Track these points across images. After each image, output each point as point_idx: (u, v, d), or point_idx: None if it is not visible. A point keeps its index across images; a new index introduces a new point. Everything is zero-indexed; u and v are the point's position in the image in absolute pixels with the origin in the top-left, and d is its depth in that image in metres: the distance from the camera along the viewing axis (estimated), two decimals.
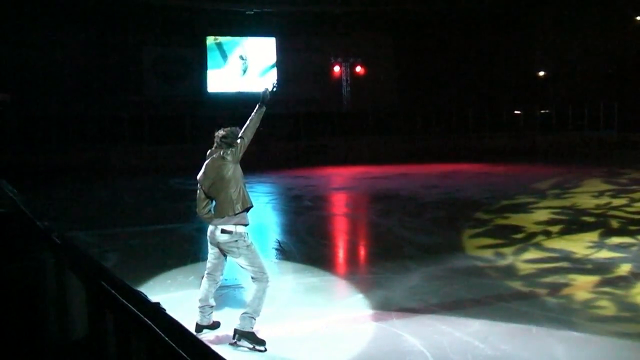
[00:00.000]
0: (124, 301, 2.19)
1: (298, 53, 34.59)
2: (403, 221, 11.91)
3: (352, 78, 34.99)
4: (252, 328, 5.42)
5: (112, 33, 31.33)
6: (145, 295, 2.27)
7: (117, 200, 16.31)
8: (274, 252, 9.46)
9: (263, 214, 13.79)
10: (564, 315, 6.13)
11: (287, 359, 5.23)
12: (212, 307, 5.77)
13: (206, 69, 34.27)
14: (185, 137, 28.35)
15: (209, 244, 5.70)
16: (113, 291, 2.32)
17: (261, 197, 16.24)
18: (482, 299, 6.70)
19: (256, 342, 5.36)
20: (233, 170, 5.64)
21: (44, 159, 24.00)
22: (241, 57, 34.97)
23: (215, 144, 5.78)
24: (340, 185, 19.12)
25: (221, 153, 5.65)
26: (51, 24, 29.22)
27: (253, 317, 5.43)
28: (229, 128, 5.87)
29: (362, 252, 10.17)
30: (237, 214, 5.53)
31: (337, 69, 34.89)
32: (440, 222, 11.80)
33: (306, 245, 9.89)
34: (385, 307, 6.46)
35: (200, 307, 5.73)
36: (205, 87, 34.28)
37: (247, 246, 5.51)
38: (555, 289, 7.15)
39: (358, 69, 34.91)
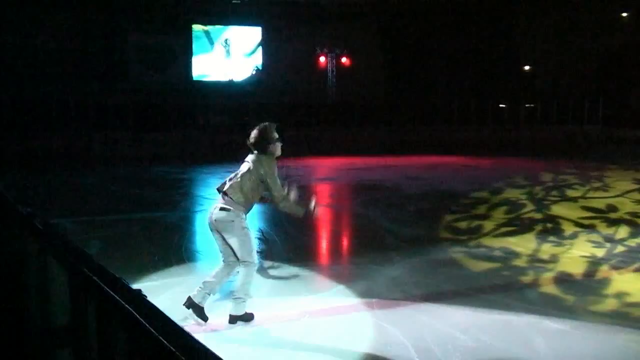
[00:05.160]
0: (106, 288, 2.20)
1: (283, 43, 34.48)
2: (386, 212, 11.95)
3: (337, 69, 34.96)
4: (245, 310, 5.64)
5: (97, 19, 31.04)
6: (127, 283, 2.28)
7: (100, 188, 16.23)
8: (257, 241, 9.47)
9: None
10: (544, 307, 6.19)
11: (269, 348, 5.26)
12: (210, 293, 5.73)
13: (191, 56, 34.12)
14: (170, 125, 28.23)
15: (210, 231, 5.76)
16: (95, 278, 2.32)
17: None
18: (464, 291, 6.76)
19: (248, 319, 5.67)
20: (253, 178, 5.78)
21: (25, 146, 23.80)
22: (225, 42, 34.80)
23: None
24: (324, 175, 19.13)
25: (257, 161, 5.82)
26: (35, 9, 28.95)
27: (244, 300, 5.63)
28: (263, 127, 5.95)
29: (345, 242, 10.22)
30: (239, 202, 5.64)
31: (322, 59, 34.85)
32: (423, 214, 11.86)
33: (289, 235, 9.90)
34: (367, 297, 6.50)
35: (202, 285, 5.69)
36: (191, 75, 34.13)
37: (242, 227, 5.58)
38: (535, 281, 7.23)
39: (344, 60, 34.88)
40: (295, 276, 7.35)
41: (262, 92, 33.96)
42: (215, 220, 5.62)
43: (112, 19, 31.49)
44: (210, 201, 13.79)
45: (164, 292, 6.56)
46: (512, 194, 13.94)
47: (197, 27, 34.33)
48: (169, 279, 7.11)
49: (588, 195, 13.46)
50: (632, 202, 12.64)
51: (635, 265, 7.87)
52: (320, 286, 7.26)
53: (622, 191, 13.93)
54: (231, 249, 5.62)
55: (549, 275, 7.48)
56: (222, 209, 5.61)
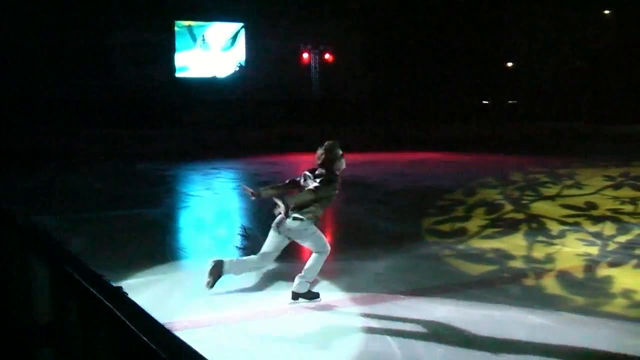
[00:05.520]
0: (87, 285, 2.20)
1: (267, 39, 34.45)
2: (370, 209, 11.98)
3: (321, 65, 34.97)
4: (307, 289, 6.13)
5: (81, 16, 30.86)
6: (108, 280, 2.28)
7: (84, 185, 16.15)
8: (239, 237, 9.46)
9: (229, 199, 13.80)
10: (525, 301, 6.23)
11: (252, 343, 5.25)
12: (221, 275, 6.19)
13: (174, 53, 34.00)
14: (154, 122, 28.13)
15: (273, 231, 6.25)
16: (76, 275, 2.32)
17: (228, 183, 16.23)
18: (447, 286, 6.79)
19: (312, 297, 6.16)
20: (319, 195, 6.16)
21: (8, 143, 23.63)
22: (202, 39, 34.70)
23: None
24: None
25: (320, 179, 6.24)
26: (17, 6, 28.72)
27: (308, 282, 6.15)
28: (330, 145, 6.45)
29: (328, 238, 10.18)
30: (309, 214, 6.12)
31: (305, 56, 34.85)
32: (407, 210, 11.89)
33: (261, 233, 9.89)
34: (351, 293, 6.53)
35: (232, 261, 6.32)
36: (174, 72, 34.02)
37: (313, 233, 6.16)
38: (518, 276, 7.28)
39: (327, 56, 34.90)
40: (278, 272, 7.34)
41: (246, 88, 33.95)
42: (288, 229, 6.13)
43: (95, 15, 31.30)
44: (194, 198, 13.85)
45: (147, 289, 6.54)
46: (489, 194, 13.98)
47: (180, 23, 34.22)
48: (151, 276, 7.09)
49: (564, 193, 13.43)
50: (610, 199, 12.60)
51: (634, 262, 7.87)
52: None
53: (597, 188, 13.92)
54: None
55: (532, 270, 7.54)
56: (295, 218, 6.07)
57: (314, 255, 6.22)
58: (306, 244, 6.27)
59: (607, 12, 36.53)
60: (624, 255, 8.18)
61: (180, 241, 9.87)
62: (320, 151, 6.37)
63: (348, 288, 6.70)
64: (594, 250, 8.46)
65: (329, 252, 6.28)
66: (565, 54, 36.09)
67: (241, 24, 35.09)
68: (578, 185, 14.48)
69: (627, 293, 6.61)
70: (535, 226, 10.05)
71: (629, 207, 11.72)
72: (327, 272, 7.37)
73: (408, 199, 13.15)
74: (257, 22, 34.60)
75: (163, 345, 1.62)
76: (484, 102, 37.97)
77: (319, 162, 6.35)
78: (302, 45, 34.78)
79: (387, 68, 35.94)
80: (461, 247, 8.73)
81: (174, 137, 26.60)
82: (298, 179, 6.50)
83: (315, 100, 34.17)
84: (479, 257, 8.17)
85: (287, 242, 6.28)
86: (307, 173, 6.43)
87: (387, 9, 35.15)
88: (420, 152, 24.02)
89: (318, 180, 6.21)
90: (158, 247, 8.65)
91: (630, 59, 34.25)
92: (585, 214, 11.06)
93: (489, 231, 9.73)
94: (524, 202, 12.33)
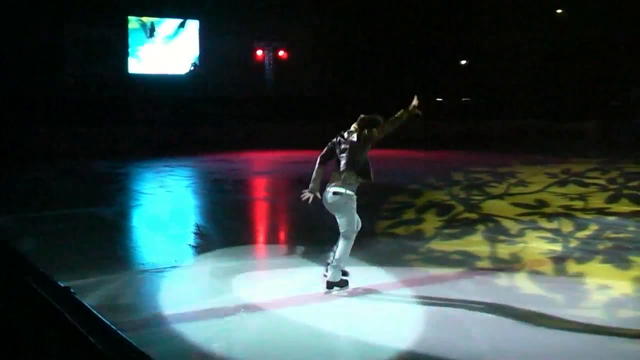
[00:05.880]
0: (35, 286, 2.18)
1: (220, 36, 34.21)
2: (323, 206, 11.96)
3: (275, 63, 34.90)
4: (341, 276, 6.31)
5: (32, 10, 30.20)
6: (56, 280, 2.26)
7: (35, 184, 15.86)
8: (193, 236, 9.42)
9: (183, 197, 13.71)
10: (481, 297, 6.31)
11: (202, 344, 5.22)
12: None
13: (127, 49, 33.57)
14: (106, 119, 27.71)
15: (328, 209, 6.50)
16: (24, 276, 2.30)
17: (182, 181, 16.12)
18: (401, 283, 6.84)
19: (344, 285, 6.35)
20: (357, 150, 6.39)
21: None
22: (156, 35, 34.35)
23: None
24: (262, 169, 19.13)
25: (358, 132, 6.44)
26: None
27: (340, 267, 6.31)
28: (368, 116, 6.60)
29: (282, 236, 10.25)
30: (349, 182, 6.33)
31: (259, 53, 34.74)
32: (362, 207, 11.85)
33: (225, 229, 9.88)
34: (303, 291, 6.54)
35: (331, 264, 6.36)
36: (127, 68, 33.59)
37: (352, 208, 6.37)
38: (472, 272, 7.36)
39: (281, 53, 34.84)
40: (231, 270, 7.33)
41: (200, 85, 33.69)
42: (330, 204, 6.39)
43: (47, 10, 30.67)
44: (147, 196, 13.74)
45: (97, 289, 6.47)
46: (435, 195, 14.13)
47: (133, 19, 33.79)
48: (103, 276, 6.99)
49: (511, 192, 13.48)
50: (558, 196, 12.74)
51: (599, 257, 7.98)
52: (256, 280, 7.27)
53: (543, 185, 14.05)
54: (338, 222, 6.43)
55: (487, 266, 7.64)
56: (334, 193, 6.33)
57: (340, 242, 6.37)
58: (340, 220, 6.39)
59: (559, 11, 37.13)
60: (588, 251, 8.27)
61: (133, 240, 9.78)
62: (361, 116, 6.60)
63: (300, 286, 6.71)
64: (557, 247, 8.53)
65: (353, 239, 6.43)
66: (518, 51, 36.53)
67: (195, 20, 34.82)
68: (523, 183, 14.53)
69: (602, 289, 6.71)
70: (492, 226, 9.96)
71: (579, 203, 11.92)
72: (279, 270, 7.43)
73: (364, 195, 13.13)
74: (211, 19, 34.35)
75: (110, 347, 1.62)
76: (437, 99, 38.22)
77: (364, 121, 6.52)
78: (256, 43, 34.65)
79: (342, 65, 36.01)
80: (416, 243, 8.80)
81: (127, 134, 26.27)
82: (326, 149, 6.69)
83: (270, 98, 34.06)
84: (433, 252, 8.25)
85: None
86: (340, 138, 6.57)
87: (342, 6, 35.20)
88: (375, 149, 24.10)
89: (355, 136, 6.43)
90: (110, 247, 8.57)
91: (582, 57, 34.89)
92: (538, 211, 11.11)
93: (447, 231, 9.60)
94: (473, 202, 12.21)
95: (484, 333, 5.41)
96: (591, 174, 15.93)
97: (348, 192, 6.32)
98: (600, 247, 8.59)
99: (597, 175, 15.73)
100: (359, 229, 6.55)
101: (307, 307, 6.08)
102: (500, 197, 12.83)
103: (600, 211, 11.14)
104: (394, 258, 8.08)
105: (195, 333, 5.40)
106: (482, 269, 7.52)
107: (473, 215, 10.82)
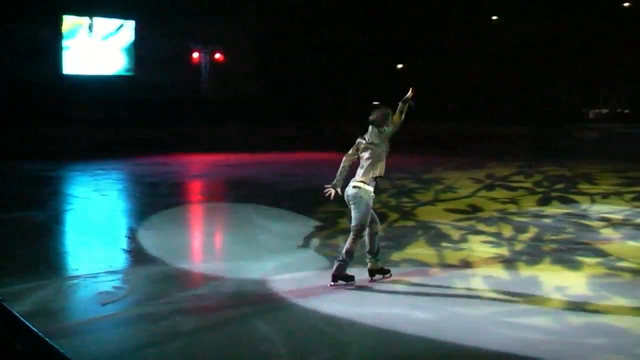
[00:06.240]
0: None
1: (156, 38, 33.85)
2: (259, 209, 12.01)
3: (211, 65, 34.73)
4: (346, 271, 6.74)
5: None
6: None
7: None
8: (127, 240, 9.34)
9: (117, 201, 13.55)
10: (418, 297, 6.45)
11: (137, 348, 5.21)
12: (373, 254, 6.94)
13: (62, 48, 32.90)
14: (39, 120, 27.09)
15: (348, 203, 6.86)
16: None
17: (116, 184, 15.92)
18: (338, 285, 6.86)
19: (348, 279, 6.76)
20: (376, 149, 6.83)
21: None
22: (91, 34, 33.82)
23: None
24: (198, 172, 19.02)
25: (376, 131, 6.89)
26: None
27: (346, 263, 6.71)
28: (377, 114, 7.00)
29: (217, 240, 10.23)
30: (367, 177, 6.77)
31: (196, 55, 34.54)
32: (296, 210, 11.94)
33: (160, 233, 9.81)
34: (238, 295, 6.57)
35: (368, 256, 6.93)
36: (61, 68, 32.91)
37: (367, 204, 6.71)
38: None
39: (217, 55, 34.70)
40: (166, 275, 7.31)
41: (135, 86, 33.29)
42: (347, 195, 6.80)
43: None
44: (81, 200, 13.48)
45: (29, 296, 6.37)
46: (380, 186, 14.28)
47: (68, 18, 33.15)
48: (34, 282, 6.87)
49: (442, 198, 13.35)
50: (489, 200, 12.83)
51: (548, 259, 8.16)
52: (191, 285, 7.27)
53: (471, 190, 14.02)
54: (351, 217, 6.80)
55: (428, 264, 7.79)
56: (354, 186, 6.76)
57: (349, 237, 6.77)
58: (354, 213, 6.74)
59: (494, 17, 37.87)
60: (535, 254, 8.40)
61: (66, 245, 9.63)
62: (375, 113, 7.00)
63: (236, 290, 6.73)
64: (504, 251, 8.59)
65: (362, 236, 6.83)
66: (453, 56, 37.03)
67: (132, 21, 34.39)
68: (451, 189, 14.39)
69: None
70: (433, 232, 9.80)
71: (512, 207, 12.09)
72: (215, 274, 7.43)
73: (298, 198, 13.23)
74: (147, 20, 33.97)
75: (39, 355, 1.65)
76: (374, 103, 38.46)
77: (376, 122, 6.93)
78: (192, 45, 34.44)
79: (278, 67, 36.01)
80: (360, 255, 8.86)
81: (61, 136, 25.71)
82: (350, 150, 7.05)
83: (206, 100, 33.86)
84: (390, 266, 8.30)
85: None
86: (359, 140, 6.99)
87: (279, 8, 35.22)
88: (311, 152, 24.17)
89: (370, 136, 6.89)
90: (43, 252, 8.42)
91: (517, 64, 35.64)
92: (474, 216, 11.10)
93: (388, 240, 9.15)
94: (405, 208, 11.96)
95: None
96: (515, 177, 16.14)
97: (366, 187, 6.73)
98: (546, 248, 8.76)
99: (520, 179, 15.94)
100: (377, 230, 6.98)
101: (240, 311, 6.12)
102: (431, 203, 12.67)
103: (535, 214, 11.34)
104: (311, 244, 8.31)
105: (129, 338, 5.39)
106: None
107: (410, 223, 10.56)
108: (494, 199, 12.94)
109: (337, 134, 31.30)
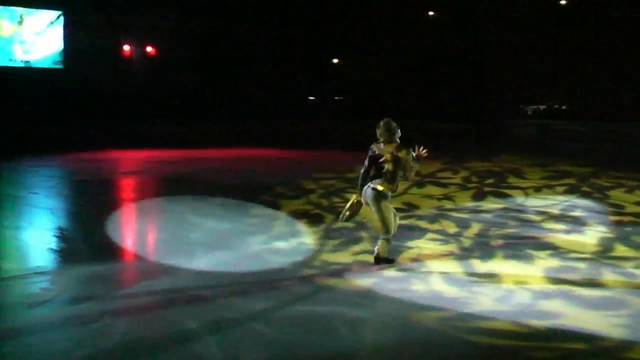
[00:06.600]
0: None
1: (86, 30, 33.13)
2: (193, 206, 11.91)
3: (143, 59, 34.19)
4: (387, 253, 7.57)
5: None
6: None
7: None
8: (56, 239, 9.14)
9: (46, 199, 13.24)
10: (348, 297, 6.49)
11: (65, 352, 5.12)
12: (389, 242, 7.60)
13: None
14: None
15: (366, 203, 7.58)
16: None
17: (45, 181, 15.53)
18: (267, 283, 6.92)
19: (388, 262, 7.59)
20: (394, 164, 7.38)
21: None
22: (21, 26, 32.92)
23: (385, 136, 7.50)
24: (130, 169, 18.68)
25: (399, 152, 7.39)
26: None
27: (389, 241, 7.57)
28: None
29: (150, 238, 10.11)
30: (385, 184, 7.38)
31: (127, 48, 33.95)
32: (231, 207, 11.90)
33: (91, 232, 9.63)
34: (170, 294, 6.52)
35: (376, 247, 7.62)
36: None
37: (386, 205, 7.40)
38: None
39: (149, 49, 34.18)
40: (96, 275, 7.20)
41: (65, 80, 32.54)
42: (366, 196, 7.46)
43: None
44: (9, 198, 13.04)
45: None
46: (314, 185, 14.32)
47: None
48: None
49: None
50: (423, 197, 12.67)
51: (502, 253, 8.30)
52: (123, 284, 7.19)
53: (402, 188, 13.29)
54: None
55: (350, 263, 7.80)
56: (372, 188, 7.37)
57: (380, 238, 7.55)
58: (377, 214, 7.44)
59: (431, 13, 38.15)
60: (486, 250, 8.51)
61: None
62: (380, 129, 7.49)
63: (168, 289, 6.68)
64: (453, 248, 8.63)
65: (390, 235, 7.52)
66: (391, 52, 37.06)
67: (60, 12, 33.57)
68: None
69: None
70: (375, 233, 9.07)
71: (448, 203, 12.22)
72: (146, 274, 7.38)
73: (233, 195, 13.16)
74: (76, 12, 33.24)
75: None
76: (310, 98, 38.47)
77: (384, 138, 7.47)
78: (123, 37, 33.82)
79: (211, 61, 35.66)
80: (283, 243, 8.89)
81: None
82: (365, 165, 7.58)
83: (138, 95, 33.24)
84: (299, 251, 8.35)
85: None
86: (371, 154, 7.52)
87: (213, 3, 34.84)
88: (245, 149, 24.06)
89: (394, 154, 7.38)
90: None
91: (456, 60, 35.93)
92: (413, 214, 11.03)
93: (333, 242, 9.06)
94: (339, 209, 10.80)
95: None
96: (442, 174, 16.19)
97: (383, 191, 7.35)
98: (494, 244, 8.90)
99: (449, 175, 16.08)
100: (395, 227, 7.61)
101: (172, 310, 6.07)
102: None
103: (473, 210, 11.46)
104: (244, 242, 8.31)
105: (58, 342, 5.29)
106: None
107: (348, 224, 9.90)
108: (429, 196, 12.89)
109: (272, 130, 31.28)
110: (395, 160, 7.33)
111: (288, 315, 5.95)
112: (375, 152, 7.49)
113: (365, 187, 7.48)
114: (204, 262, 7.78)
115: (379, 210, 7.38)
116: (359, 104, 36.57)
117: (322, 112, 36.30)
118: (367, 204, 7.54)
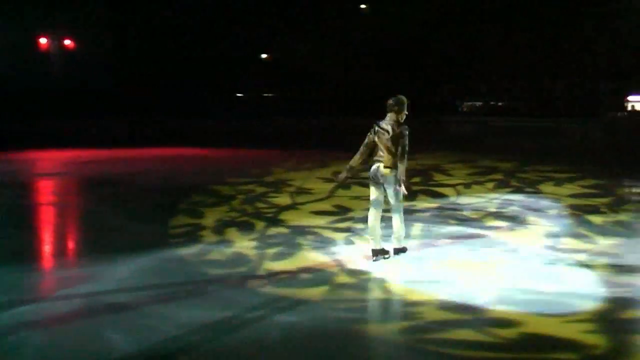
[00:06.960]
0: None
1: None
2: (116, 209, 11.57)
3: (61, 53, 33.18)
4: (402, 245, 7.91)
5: None
6: None
7: None
8: None
9: None
10: (282, 302, 6.33)
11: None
12: (380, 234, 7.75)
13: None
14: None
15: (371, 184, 7.72)
16: None
17: None
18: (195, 288, 6.76)
19: (404, 251, 7.95)
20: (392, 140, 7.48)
21: None
22: None
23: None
24: (48, 170, 18.10)
25: (397, 127, 7.49)
26: None
27: (402, 236, 7.87)
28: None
29: (70, 243, 9.77)
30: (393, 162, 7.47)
31: (43, 41, 32.88)
32: (155, 209, 11.58)
33: (6, 237, 9.25)
34: (90, 303, 6.28)
35: (370, 236, 7.74)
36: None
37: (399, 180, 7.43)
38: (276, 273, 7.28)
39: (67, 42, 33.20)
40: (11, 284, 6.88)
41: None
42: (382, 175, 7.52)
43: None
44: None
45: None
46: (247, 184, 14.17)
47: None
48: None
49: (300, 201, 12.30)
50: (352, 199, 12.16)
51: (454, 253, 8.20)
52: (40, 294, 6.90)
53: (325, 191, 13.13)
54: (389, 195, 7.64)
55: (288, 268, 7.59)
56: (386, 166, 7.46)
57: (394, 217, 7.71)
58: (389, 192, 7.57)
59: (363, 6, 38.13)
60: (439, 250, 8.37)
61: None
62: (393, 100, 7.58)
63: (88, 297, 6.43)
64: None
65: (402, 211, 7.74)
66: (325, 47, 36.97)
67: None
68: (305, 191, 13.44)
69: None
70: (313, 238, 9.13)
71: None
72: (66, 280, 7.11)
73: (158, 197, 12.87)
74: None
75: None
76: (237, 94, 38.12)
77: (394, 108, 7.54)
78: (39, 30, 32.68)
79: (134, 57, 34.94)
80: (211, 246, 8.69)
81: None
82: (367, 140, 7.65)
83: (55, 90, 32.14)
84: (231, 255, 8.16)
85: (383, 188, 7.64)
86: (377, 128, 7.55)
87: None
88: (168, 148, 23.61)
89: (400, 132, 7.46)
90: None
91: (396, 57, 35.98)
92: (348, 217, 10.58)
93: (272, 251, 8.45)
94: (268, 215, 10.94)
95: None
96: (365, 174, 15.84)
97: (394, 169, 7.44)
98: (442, 243, 8.72)
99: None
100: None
101: (92, 321, 5.82)
102: (293, 207, 11.70)
103: (408, 210, 10.10)
104: (169, 246, 8.11)
105: None
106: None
107: (283, 230, 9.66)
108: (357, 197, 12.13)
109: (198, 128, 30.75)
110: (395, 136, 7.41)
111: (214, 322, 5.77)
112: (380, 128, 7.51)
113: (375, 168, 7.57)
114: (125, 267, 7.51)
115: (396, 189, 7.49)
116: (289, 100, 36.38)
117: (252, 108, 35.98)
118: (376, 183, 7.63)
